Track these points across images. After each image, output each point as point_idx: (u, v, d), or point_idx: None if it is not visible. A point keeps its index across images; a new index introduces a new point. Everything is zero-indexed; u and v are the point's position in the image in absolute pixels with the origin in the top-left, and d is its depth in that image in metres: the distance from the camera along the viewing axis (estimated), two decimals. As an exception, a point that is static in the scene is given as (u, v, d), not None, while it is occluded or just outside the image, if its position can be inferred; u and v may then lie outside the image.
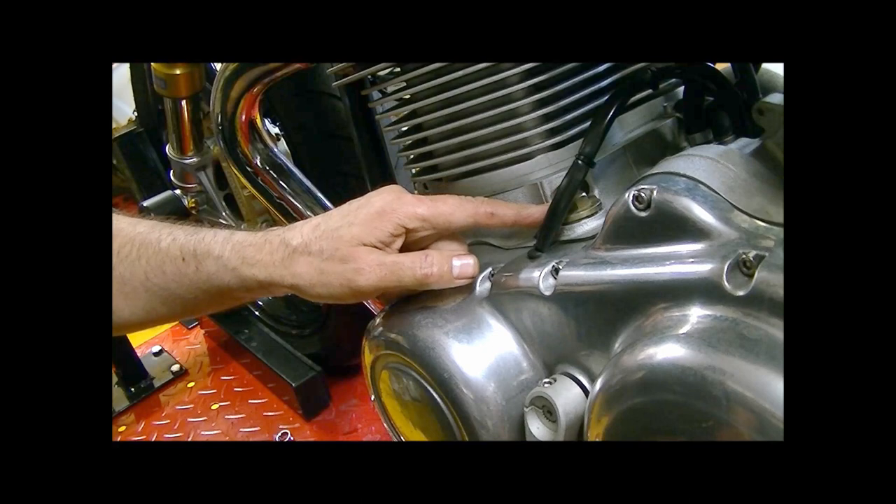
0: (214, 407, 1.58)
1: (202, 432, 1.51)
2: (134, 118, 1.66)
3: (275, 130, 1.27)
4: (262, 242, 0.54)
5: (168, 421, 1.58)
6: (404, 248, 0.53)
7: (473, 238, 0.62)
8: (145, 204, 1.35)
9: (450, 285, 0.54)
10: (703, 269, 0.41)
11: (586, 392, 0.50)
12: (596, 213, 0.54)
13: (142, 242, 0.56)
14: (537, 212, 0.54)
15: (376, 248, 0.52)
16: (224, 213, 1.34)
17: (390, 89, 0.62)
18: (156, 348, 1.83)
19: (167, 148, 1.32)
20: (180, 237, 0.56)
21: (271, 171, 0.99)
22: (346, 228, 0.52)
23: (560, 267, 0.50)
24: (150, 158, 1.62)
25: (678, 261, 0.43)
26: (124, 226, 0.58)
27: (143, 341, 1.91)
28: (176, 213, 1.35)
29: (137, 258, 0.56)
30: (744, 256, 0.39)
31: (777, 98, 0.47)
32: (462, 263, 0.54)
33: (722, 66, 0.56)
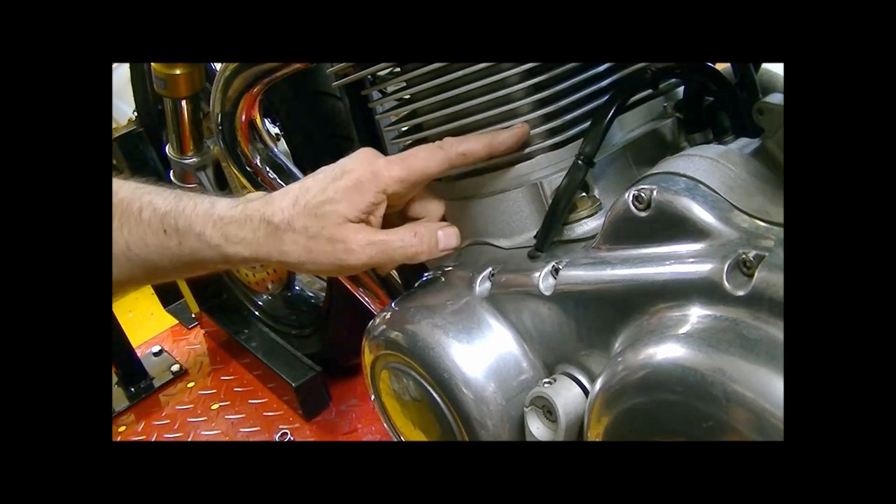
0: (214, 407, 1.58)
1: (202, 432, 1.51)
2: (134, 118, 1.66)
3: (275, 130, 1.27)
4: (244, 219, 0.54)
5: (168, 421, 1.58)
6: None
7: (473, 239, 0.62)
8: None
9: (436, 257, 0.55)
10: (703, 269, 0.41)
11: (586, 392, 0.50)
12: (596, 213, 0.54)
13: (123, 211, 0.56)
14: (508, 136, 0.54)
15: (362, 221, 0.52)
16: (224, 213, 1.33)
17: (390, 89, 0.62)
18: (156, 348, 1.83)
19: (167, 148, 1.32)
20: (160, 207, 0.56)
21: (271, 171, 0.99)
22: (328, 205, 0.52)
23: (560, 267, 0.50)
24: (150, 158, 1.62)
25: (678, 261, 0.43)
26: None
27: (143, 341, 1.91)
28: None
29: (119, 227, 0.55)
30: (744, 256, 0.39)
31: (777, 98, 0.47)
32: (445, 234, 0.55)
33: (722, 66, 0.56)
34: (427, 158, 0.54)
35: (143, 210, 0.56)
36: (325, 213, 0.52)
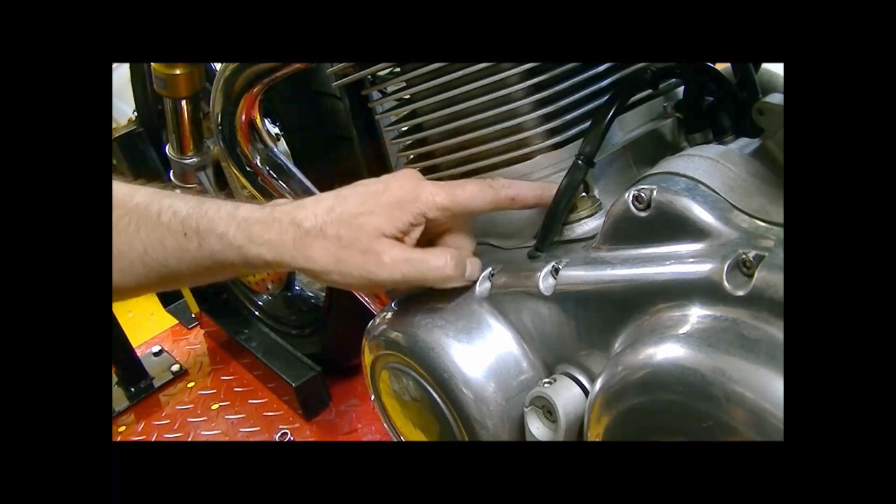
0: (214, 407, 1.58)
1: (202, 432, 1.51)
2: (134, 118, 1.66)
3: (275, 130, 1.27)
4: (271, 221, 0.52)
5: (168, 421, 1.58)
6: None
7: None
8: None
9: (459, 284, 0.54)
10: (703, 269, 0.41)
11: (586, 392, 0.50)
12: (596, 213, 0.54)
13: (141, 215, 0.54)
14: (543, 202, 0.54)
15: (396, 238, 0.51)
16: (224, 213, 1.33)
17: (390, 89, 0.62)
18: (156, 348, 1.83)
19: (167, 148, 1.32)
20: (181, 210, 0.54)
21: (271, 171, 0.99)
22: (365, 217, 0.50)
23: (560, 267, 0.50)
24: (150, 158, 1.62)
25: (678, 261, 0.43)
26: (121, 196, 0.55)
27: (143, 341, 1.91)
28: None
29: (136, 231, 0.53)
30: (744, 256, 0.39)
31: (777, 98, 0.47)
32: (472, 264, 0.54)
33: (722, 66, 0.56)
34: (475, 194, 0.52)
35: (162, 213, 0.54)
36: (361, 224, 0.50)
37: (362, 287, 0.52)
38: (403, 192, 0.51)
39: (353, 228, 0.50)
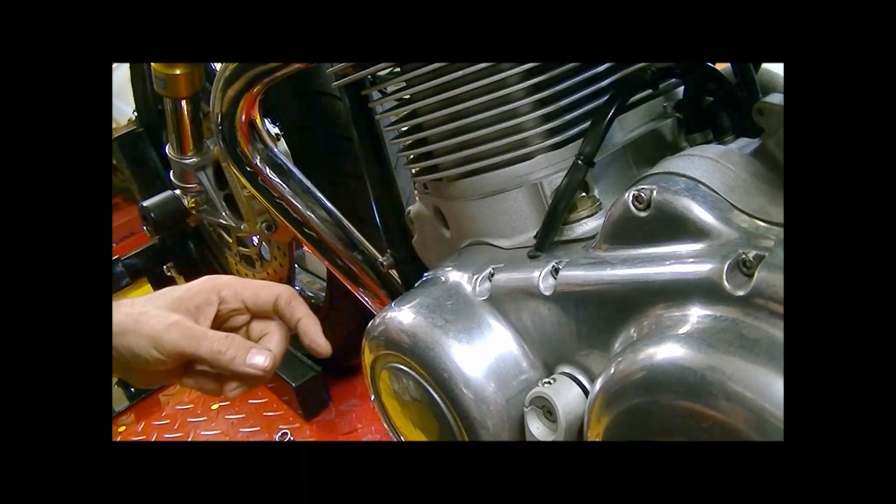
0: (214, 407, 1.58)
1: (202, 432, 1.51)
2: (134, 118, 1.66)
3: (275, 130, 1.27)
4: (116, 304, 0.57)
5: (168, 421, 1.58)
6: (218, 326, 0.59)
7: (473, 239, 0.62)
8: (145, 204, 1.34)
9: (240, 371, 0.57)
10: (703, 269, 0.41)
11: (586, 392, 0.50)
12: (596, 213, 0.54)
13: None
14: (312, 340, 0.62)
15: (191, 315, 0.57)
16: (224, 213, 1.33)
17: (390, 89, 0.62)
18: (156, 348, 1.83)
19: (167, 148, 1.32)
20: None
21: (271, 171, 0.99)
22: (168, 294, 0.58)
23: (560, 267, 0.50)
24: (150, 158, 1.62)
25: (678, 261, 0.43)
26: None
27: (143, 341, 1.91)
28: (176, 213, 1.35)
29: None
30: (744, 256, 0.39)
31: (777, 98, 0.48)
32: (257, 357, 0.57)
33: (722, 66, 0.56)
34: (264, 287, 0.61)
35: None
36: (163, 300, 0.57)
37: (145, 352, 0.55)
38: (203, 280, 0.60)
39: (152, 301, 0.58)
